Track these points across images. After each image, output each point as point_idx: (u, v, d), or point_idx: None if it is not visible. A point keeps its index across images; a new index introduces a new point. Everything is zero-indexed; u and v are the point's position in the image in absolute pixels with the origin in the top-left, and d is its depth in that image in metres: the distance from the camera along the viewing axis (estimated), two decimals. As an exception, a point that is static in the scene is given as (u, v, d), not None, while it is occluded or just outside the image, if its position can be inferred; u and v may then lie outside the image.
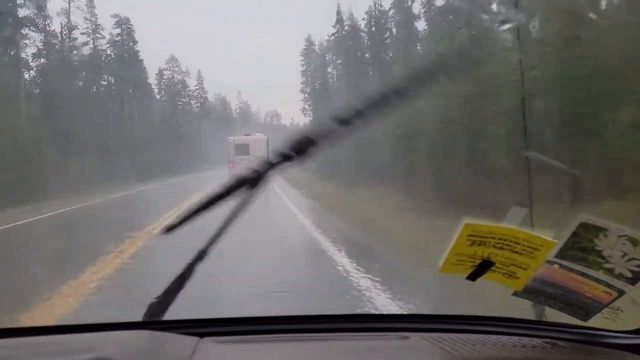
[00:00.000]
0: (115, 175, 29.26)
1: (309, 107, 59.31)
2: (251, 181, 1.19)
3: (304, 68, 58.48)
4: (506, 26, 9.65)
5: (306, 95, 58.98)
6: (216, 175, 37.02)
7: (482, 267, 1.06)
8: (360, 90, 35.83)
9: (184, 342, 1.17)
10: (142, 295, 4.70)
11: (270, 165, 1.21)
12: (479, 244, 1.02)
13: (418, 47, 34.18)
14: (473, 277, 1.08)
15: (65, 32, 30.68)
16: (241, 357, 1.20)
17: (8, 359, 1.09)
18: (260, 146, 26.38)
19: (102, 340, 1.19)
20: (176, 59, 53.89)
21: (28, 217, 14.06)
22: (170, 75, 54.29)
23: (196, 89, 58.93)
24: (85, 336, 1.29)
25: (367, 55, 41.36)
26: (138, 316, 1.28)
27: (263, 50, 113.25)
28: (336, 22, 41.83)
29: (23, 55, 29.64)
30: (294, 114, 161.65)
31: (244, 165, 25.75)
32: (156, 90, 54.41)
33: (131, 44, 37.06)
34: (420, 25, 36.14)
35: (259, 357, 1.21)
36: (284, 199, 18.83)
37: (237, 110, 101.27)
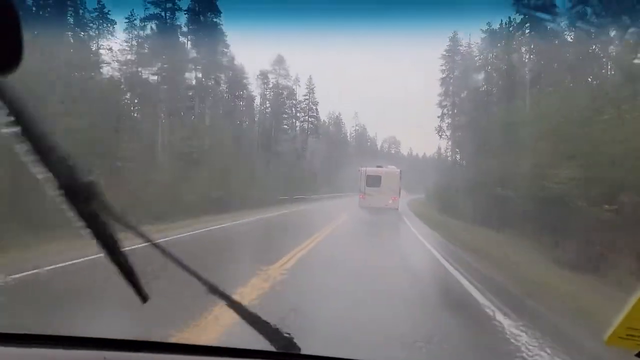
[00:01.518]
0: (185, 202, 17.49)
1: (447, 126, 44.85)
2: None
3: (445, 75, 44.40)
4: None
5: (445, 111, 44.60)
6: (335, 210, 25.66)
7: None
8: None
9: None
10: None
11: None
12: None
13: None
14: None
15: None
16: None
17: None
18: (393, 179, 24.96)
19: None
20: (284, 61, 43.25)
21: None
22: (275, 81, 43.70)
23: (305, 99, 47.76)
24: None
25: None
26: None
27: (388, 65, 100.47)
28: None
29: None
30: (414, 143, 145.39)
31: (374, 197, 23.90)
32: (259, 100, 44.20)
33: (209, 13, 26.19)
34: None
35: None
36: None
37: (353, 134, 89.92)
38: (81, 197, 1.13)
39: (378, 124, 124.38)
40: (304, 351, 1.35)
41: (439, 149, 78.42)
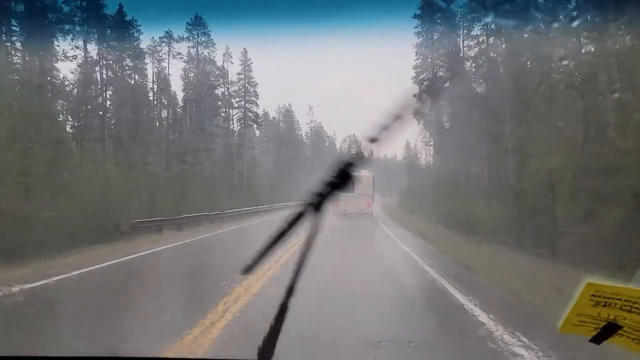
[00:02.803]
0: None
1: (429, 108, 34.16)
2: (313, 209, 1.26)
3: (420, 39, 33.75)
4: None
5: (424, 87, 33.90)
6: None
7: (608, 330, 0.99)
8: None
9: None
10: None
11: (322, 196, 1.24)
12: (604, 305, 0.96)
13: None
14: (597, 340, 1.01)
15: None
16: None
17: None
18: (366, 184, 24.31)
19: None
20: (204, 24, 31.35)
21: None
22: (194, 51, 31.68)
23: (239, 79, 35.89)
24: None
25: None
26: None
27: (346, 52, 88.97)
28: None
29: None
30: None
31: (348, 203, 23.66)
32: (180, 84, 32.07)
33: None
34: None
35: None
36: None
37: (308, 133, 78.51)
38: None
39: (335, 121, 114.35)
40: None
41: (408, 143, 68.55)
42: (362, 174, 27.74)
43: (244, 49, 35.91)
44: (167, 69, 31.18)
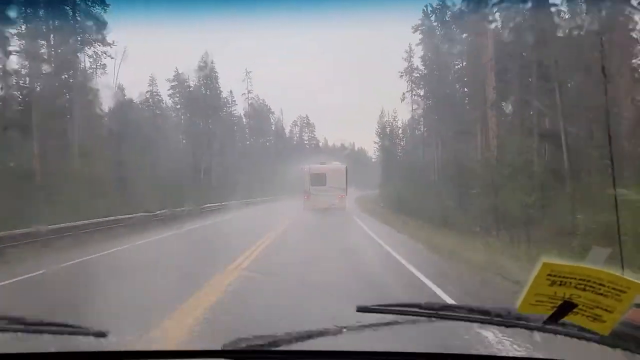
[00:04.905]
0: None
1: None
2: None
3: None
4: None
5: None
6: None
7: (564, 309, 1.01)
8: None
9: None
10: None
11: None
12: (560, 284, 0.98)
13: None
14: (554, 318, 1.04)
15: None
16: None
17: None
18: (339, 176, 24.31)
19: None
20: None
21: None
22: None
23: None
24: None
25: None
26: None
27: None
28: None
29: None
30: (329, 127, 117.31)
31: (320, 197, 23.16)
32: None
33: None
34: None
35: None
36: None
37: (245, 107, 59.65)
38: None
39: (281, 99, 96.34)
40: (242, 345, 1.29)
41: (381, 114, 51.44)
42: (335, 166, 24.93)
43: None
44: None
